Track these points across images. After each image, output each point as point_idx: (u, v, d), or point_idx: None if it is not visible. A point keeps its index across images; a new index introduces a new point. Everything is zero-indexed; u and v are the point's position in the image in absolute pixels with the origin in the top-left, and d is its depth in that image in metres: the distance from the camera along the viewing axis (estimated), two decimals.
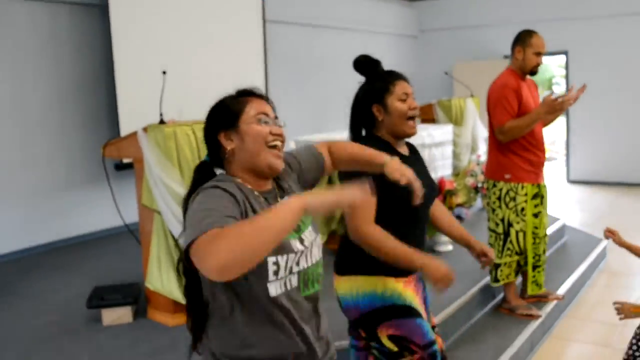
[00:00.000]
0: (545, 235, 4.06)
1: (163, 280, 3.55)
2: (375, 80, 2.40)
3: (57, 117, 5.70)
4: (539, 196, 3.91)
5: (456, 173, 6.19)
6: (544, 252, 4.12)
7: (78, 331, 3.61)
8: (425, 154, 4.83)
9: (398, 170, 1.85)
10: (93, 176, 5.81)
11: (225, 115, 1.66)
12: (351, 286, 2.43)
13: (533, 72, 3.81)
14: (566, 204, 8.38)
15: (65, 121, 5.77)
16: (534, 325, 3.92)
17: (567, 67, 9.69)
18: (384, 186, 2.26)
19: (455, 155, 6.11)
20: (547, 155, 4.01)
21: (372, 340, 2.47)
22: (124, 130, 5.46)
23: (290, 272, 1.61)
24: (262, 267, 1.54)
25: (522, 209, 3.83)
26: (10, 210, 5.37)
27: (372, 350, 2.54)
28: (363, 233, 2.27)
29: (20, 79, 5.42)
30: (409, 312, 2.40)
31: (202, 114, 1.79)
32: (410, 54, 10.84)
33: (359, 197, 1.47)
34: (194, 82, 6.18)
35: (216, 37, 6.76)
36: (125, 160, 5.63)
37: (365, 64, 2.42)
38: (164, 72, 3.91)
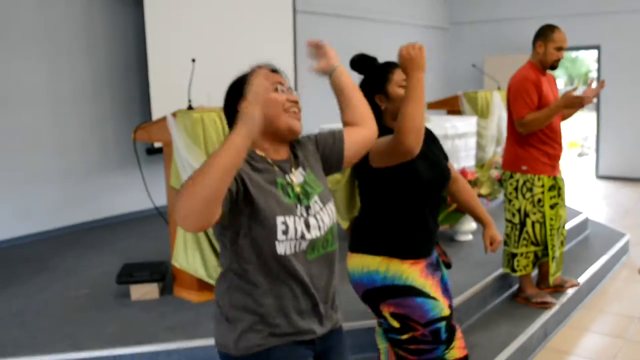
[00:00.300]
0: (562, 227, 4.12)
1: (188, 258, 3.71)
2: (374, 73, 2.52)
3: (91, 104, 5.91)
4: (556, 188, 3.98)
5: (481, 165, 6.25)
6: (562, 244, 4.18)
7: (107, 305, 3.80)
8: (448, 145, 4.92)
9: None
10: (125, 160, 6.01)
11: (244, 87, 1.69)
12: (359, 263, 2.55)
13: (553, 66, 3.86)
14: (593, 198, 8.37)
15: (99, 108, 5.98)
16: (548, 314, 3.99)
17: (599, 62, 9.62)
18: (394, 168, 2.38)
19: (481, 147, 6.17)
20: (565, 149, 4.07)
21: (378, 315, 2.60)
22: (156, 116, 5.64)
23: (302, 237, 1.72)
24: (272, 225, 1.67)
25: (539, 200, 3.90)
26: (47, 192, 5.61)
27: (381, 326, 2.68)
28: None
29: (56, 68, 5.63)
30: (409, 291, 2.50)
31: None
32: (441, 46, 10.86)
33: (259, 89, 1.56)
34: (223, 70, 6.24)
35: (246, 26, 6.90)
36: (156, 145, 5.82)
37: (362, 62, 2.54)
38: (193, 60, 4.06)
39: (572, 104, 3.63)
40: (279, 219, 1.69)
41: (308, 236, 1.74)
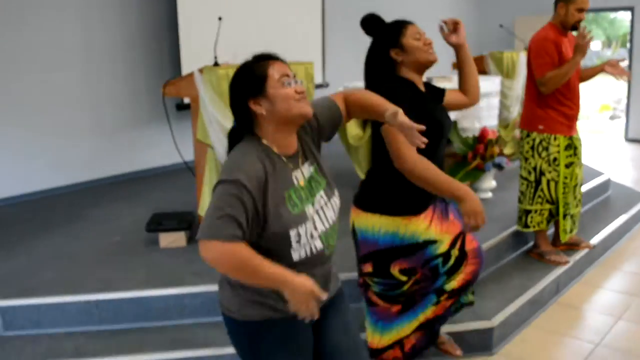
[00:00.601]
0: (577, 185, 4.19)
1: None
2: (387, 30, 2.63)
3: (123, 60, 6.08)
4: (572, 147, 4.04)
5: (505, 125, 6.30)
6: (580, 202, 4.26)
7: (138, 251, 4.01)
8: None
9: (396, 116, 1.92)
10: (155, 115, 6.19)
11: (252, 82, 1.83)
12: (374, 223, 2.68)
13: (575, 27, 3.90)
14: (620, 161, 8.35)
15: (131, 64, 6.14)
16: (561, 269, 4.10)
17: (632, 24, 9.46)
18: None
19: (505, 107, 6.20)
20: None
21: (379, 275, 2.75)
22: (185, 72, 5.78)
23: (312, 237, 1.86)
24: (285, 238, 1.82)
25: (555, 159, 3.98)
26: (79, 146, 5.83)
27: (371, 287, 2.83)
28: (409, 159, 2.46)
29: (88, 24, 5.79)
30: (421, 246, 2.69)
31: None
32: (471, 6, 10.76)
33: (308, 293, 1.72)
34: (250, 29, 6.43)
35: None
36: (185, 101, 5.98)
37: (372, 22, 2.66)
38: (220, 18, 4.18)
39: (583, 49, 3.70)
40: (292, 232, 1.82)
41: (315, 234, 1.87)
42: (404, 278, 2.72)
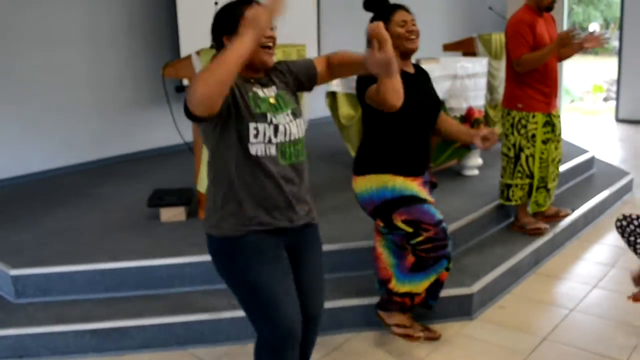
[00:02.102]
0: (554, 161, 4.40)
1: None
2: (381, 12, 2.85)
3: (125, 43, 6.27)
4: (550, 124, 4.25)
5: (494, 105, 6.49)
6: (556, 177, 4.47)
7: (140, 225, 4.25)
8: (457, 84, 5.18)
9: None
10: (157, 97, 6.38)
11: (228, 21, 2.11)
12: (366, 183, 3.00)
13: (549, 7, 4.10)
14: (609, 140, 8.54)
15: (133, 46, 6.34)
16: (540, 241, 4.33)
17: (622, 6, 9.61)
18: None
19: (494, 88, 6.39)
20: (559, 85, 4.33)
21: (389, 227, 3.01)
22: (184, 54, 5.97)
23: (269, 141, 2.13)
24: (245, 129, 2.08)
25: (533, 136, 4.19)
26: (83, 126, 6.03)
27: (387, 242, 3.11)
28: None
29: (92, 7, 5.97)
30: (416, 200, 2.98)
31: None
32: None
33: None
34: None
35: None
36: (185, 83, 6.18)
37: (373, 2, 2.87)
38: (216, 3, 4.38)
39: (564, 43, 3.89)
40: (252, 125, 2.09)
41: (274, 140, 2.14)
42: (409, 229, 2.97)
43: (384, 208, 3.00)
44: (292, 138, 2.21)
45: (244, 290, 2.24)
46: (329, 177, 5.10)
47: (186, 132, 4.81)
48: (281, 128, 2.17)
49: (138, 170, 5.90)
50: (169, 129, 5.20)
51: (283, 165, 2.19)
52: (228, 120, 2.09)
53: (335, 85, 5.14)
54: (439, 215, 2.99)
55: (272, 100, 2.19)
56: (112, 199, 4.94)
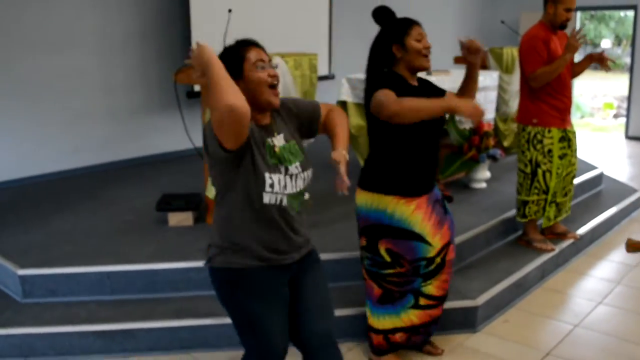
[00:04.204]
0: (569, 176, 4.40)
1: None
2: (394, 25, 2.86)
3: (137, 48, 6.33)
4: (566, 140, 4.26)
5: (504, 118, 6.51)
6: (569, 192, 4.47)
7: (148, 229, 4.27)
8: None
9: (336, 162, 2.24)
10: (167, 102, 6.44)
11: (231, 64, 2.13)
12: (367, 200, 2.97)
13: (563, 26, 4.12)
14: (618, 157, 8.53)
15: (144, 52, 6.39)
16: (546, 256, 4.32)
17: (635, 22, 9.62)
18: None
19: (504, 102, 6.42)
20: (572, 101, 4.34)
21: (369, 250, 3.01)
22: None
23: (283, 192, 2.17)
24: (260, 178, 2.12)
25: (550, 151, 4.19)
26: (94, 130, 6.09)
27: (364, 261, 3.10)
28: (391, 103, 2.66)
29: (105, 13, 6.04)
30: (409, 235, 2.96)
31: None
32: (477, 2, 10.91)
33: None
34: (258, 21, 6.63)
35: None
36: (196, 89, 6.22)
37: (382, 14, 2.88)
38: (230, 10, 4.42)
39: (574, 48, 3.94)
40: (267, 175, 2.12)
41: (286, 191, 2.18)
42: (388, 259, 2.98)
43: (374, 230, 2.99)
44: (299, 189, 2.25)
45: (238, 316, 2.30)
46: (334, 186, 5.08)
47: (196, 137, 4.84)
48: (288, 179, 2.21)
49: (147, 174, 5.94)
50: (178, 134, 5.23)
51: (291, 214, 2.24)
52: (245, 164, 2.12)
53: (345, 94, 5.17)
54: (425, 254, 2.99)
55: (282, 150, 2.22)
56: (121, 202, 4.97)
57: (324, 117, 2.43)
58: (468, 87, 3.04)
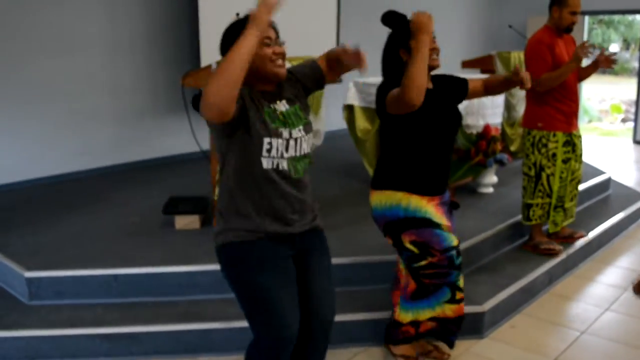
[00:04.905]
0: (574, 181, 4.39)
1: None
2: (401, 29, 2.85)
3: (144, 51, 6.35)
4: (571, 144, 4.24)
5: (511, 123, 6.49)
6: (574, 196, 4.46)
7: (154, 232, 4.28)
8: (474, 102, 5.17)
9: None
10: (174, 105, 6.44)
11: (237, 38, 2.05)
12: (381, 199, 2.99)
13: (569, 29, 4.11)
14: (626, 162, 8.50)
15: (152, 55, 6.41)
16: (553, 261, 4.30)
17: None
18: (408, 116, 2.74)
19: (512, 106, 6.40)
20: (579, 105, 4.32)
21: (398, 246, 3.02)
22: (204, 65, 6.03)
23: (282, 156, 2.17)
24: (259, 143, 2.12)
25: (554, 155, 4.18)
26: (102, 133, 6.11)
27: (402, 258, 3.11)
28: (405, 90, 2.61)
29: (113, 15, 6.06)
30: (428, 223, 2.95)
31: None
32: (484, 6, 10.90)
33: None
34: None
35: None
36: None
37: (392, 18, 2.88)
38: (237, 14, 4.40)
39: (580, 58, 3.91)
40: (266, 140, 2.13)
41: (286, 155, 2.18)
42: (415, 250, 2.97)
43: (394, 226, 2.99)
44: (302, 153, 2.26)
45: (246, 293, 2.29)
46: (343, 190, 5.11)
47: (203, 140, 4.85)
48: (292, 143, 2.21)
49: (154, 177, 5.96)
50: (185, 137, 5.24)
51: (292, 178, 2.23)
52: (240, 132, 2.14)
53: (353, 99, 5.17)
54: (450, 242, 2.97)
55: (285, 115, 2.24)
56: (128, 204, 4.98)
57: (324, 66, 2.44)
58: (500, 90, 3.15)
